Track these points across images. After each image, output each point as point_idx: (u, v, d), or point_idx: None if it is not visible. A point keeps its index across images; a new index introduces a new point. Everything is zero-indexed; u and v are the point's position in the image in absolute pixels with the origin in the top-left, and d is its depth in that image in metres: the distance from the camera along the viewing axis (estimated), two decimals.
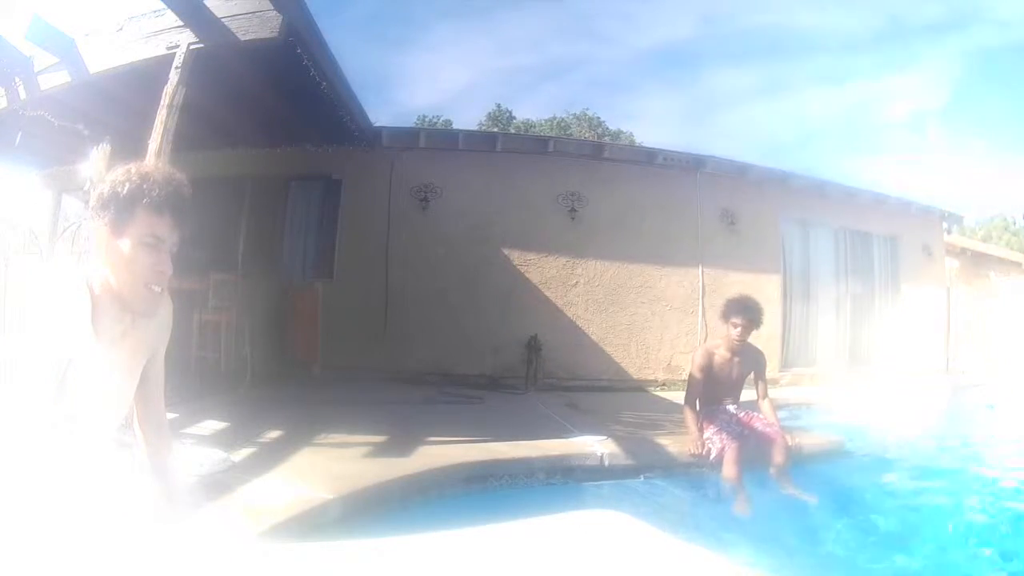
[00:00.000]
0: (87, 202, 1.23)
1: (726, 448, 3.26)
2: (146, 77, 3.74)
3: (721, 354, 3.52)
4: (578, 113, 25.91)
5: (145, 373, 1.33)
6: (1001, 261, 12.82)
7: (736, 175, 7.52)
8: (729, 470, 3.20)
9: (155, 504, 1.38)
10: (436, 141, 7.32)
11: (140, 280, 1.18)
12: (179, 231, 1.21)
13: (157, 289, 1.21)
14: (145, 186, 1.16)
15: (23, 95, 4.34)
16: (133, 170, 1.18)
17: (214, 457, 2.75)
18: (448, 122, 23.61)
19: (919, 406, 6.15)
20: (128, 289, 1.18)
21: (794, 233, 7.92)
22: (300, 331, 6.36)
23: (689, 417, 3.50)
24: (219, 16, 3.58)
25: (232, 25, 3.57)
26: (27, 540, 0.96)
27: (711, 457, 3.34)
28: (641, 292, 6.99)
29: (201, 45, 3.59)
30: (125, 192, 1.15)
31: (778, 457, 3.27)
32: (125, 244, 1.16)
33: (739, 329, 3.41)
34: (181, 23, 3.61)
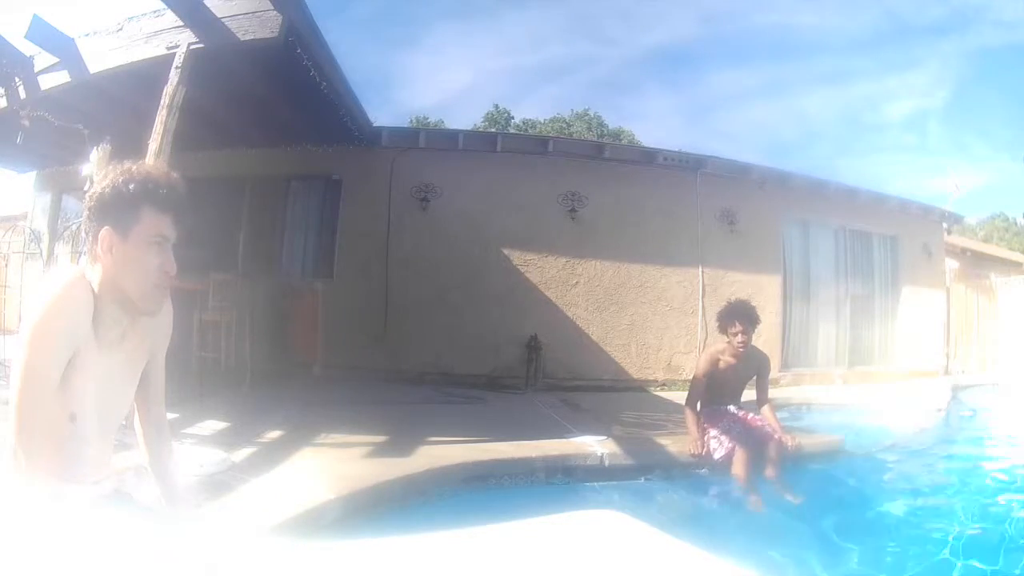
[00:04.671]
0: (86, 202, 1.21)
1: (736, 449, 3.27)
2: (146, 77, 3.74)
3: (726, 360, 3.51)
4: (579, 112, 25.93)
5: (145, 374, 1.33)
6: (1001, 261, 12.81)
7: (736, 175, 7.52)
8: (739, 469, 3.20)
9: (156, 503, 1.38)
10: (436, 141, 7.32)
11: (148, 281, 1.18)
12: (179, 229, 1.22)
13: (162, 288, 1.21)
14: (149, 186, 1.16)
15: (23, 95, 4.35)
16: (134, 170, 1.17)
17: (214, 457, 2.75)
18: (440, 122, 23.58)
19: (918, 406, 6.14)
20: (136, 290, 1.18)
21: (794, 233, 7.92)
22: (300, 331, 6.36)
23: (690, 418, 3.50)
24: (219, 16, 3.58)
25: (232, 25, 3.57)
26: (30, 540, 0.95)
27: (717, 457, 3.34)
28: (641, 292, 6.99)
29: (201, 45, 3.59)
30: (130, 192, 1.15)
31: (775, 457, 3.27)
32: (132, 245, 1.15)
33: (740, 336, 3.39)
34: (181, 23, 3.61)
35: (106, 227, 1.15)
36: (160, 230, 1.18)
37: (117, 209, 1.15)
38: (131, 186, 1.15)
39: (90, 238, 1.17)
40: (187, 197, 1.22)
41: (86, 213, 1.18)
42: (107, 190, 1.15)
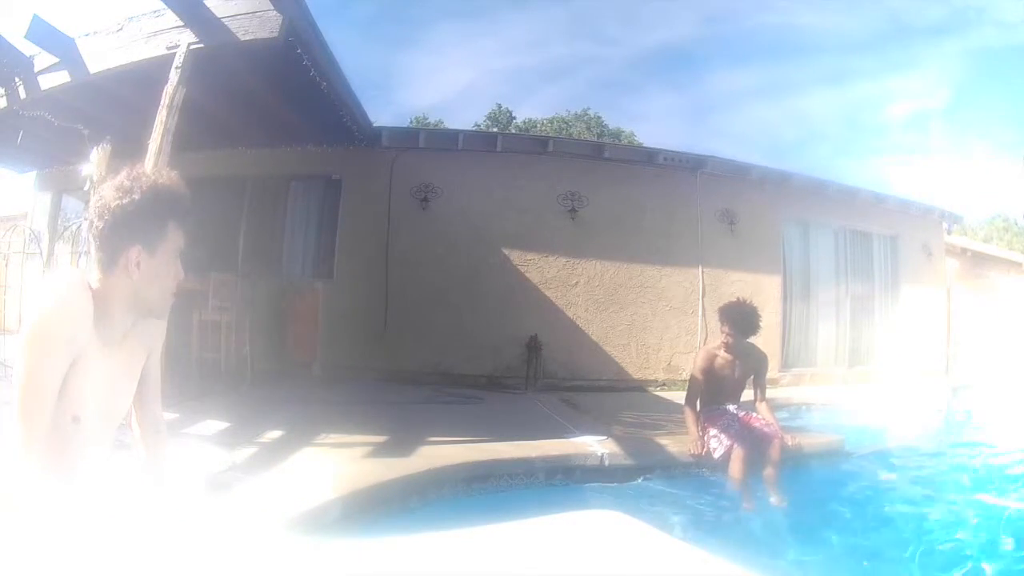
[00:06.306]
0: (88, 204, 1.21)
1: (734, 448, 3.27)
2: (146, 77, 3.74)
3: (722, 356, 3.52)
4: (579, 112, 25.93)
5: (142, 373, 1.33)
6: (1001, 261, 12.82)
7: (736, 175, 7.52)
8: (736, 469, 3.21)
9: (154, 503, 1.39)
10: (436, 141, 7.32)
11: (168, 289, 1.22)
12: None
13: (174, 293, 1.24)
14: (175, 202, 1.18)
15: (23, 95, 4.35)
16: (159, 184, 1.17)
17: (214, 457, 2.75)
18: (440, 121, 23.57)
19: (917, 406, 6.15)
20: (158, 300, 1.21)
21: (794, 233, 7.92)
22: (300, 331, 6.36)
23: (689, 418, 3.50)
24: (219, 16, 3.58)
25: (232, 25, 3.58)
26: (37, 541, 0.96)
27: (716, 456, 3.34)
28: (641, 292, 6.99)
29: (201, 45, 3.59)
30: (159, 211, 1.16)
31: (774, 456, 3.27)
32: (158, 260, 1.17)
33: (724, 336, 3.44)
34: (181, 23, 3.61)
35: (138, 246, 1.14)
36: (180, 243, 1.21)
37: (148, 227, 1.15)
38: (160, 204, 1.16)
39: (111, 251, 1.15)
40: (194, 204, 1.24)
41: (105, 226, 1.14)
42: (135, 207, 1.13)
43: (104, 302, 1.15)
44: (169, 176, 1.23)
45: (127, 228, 1.14)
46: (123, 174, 1.17)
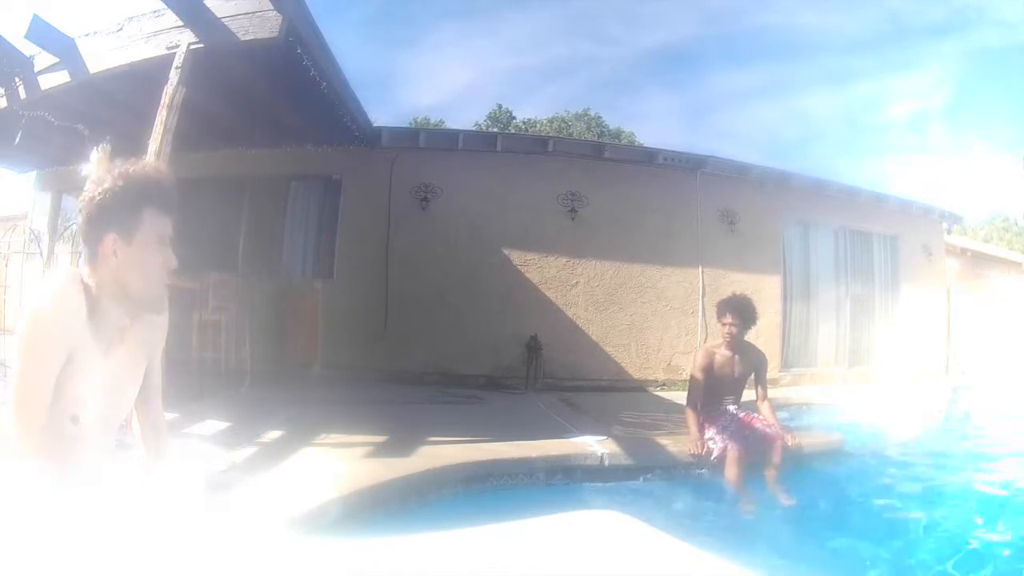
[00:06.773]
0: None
1: (728, 449, 3.27)
2: (146, 77, 3.74)
3: (722, 353, 3.53)
4: (579, 112, 25.95)
5: (144, 374, 1.33)
6: (1001, 261, 12.83)
7: (736, 175, 7.52)
8: (731, 471, 3.21)
9: (154, 503, 1.38)
10: (436, 141, 7.33)
11: (154, 279, 1.20)
12: (176, 224, 1.23)
13: (165, 284, 1.23)
14: (149, 188, 1.17)
15: (23, 95, 4.35)
16: (131, 172, 1.17)
17: (214, 457, 2.75)
18: (441, 121, 23.59)
19: (917, 406, 6.15)
20: (143, 289, 1.19)
21: (794, 233, 7.92)
22: (300, 331, 6.36)
23: (690, 418, 3.50)
24: (219, 16, 3.58)
25: (232, 25, 3.58)
26: (34, 542, 0.96)
27: (712, 457, 3.34)
28: (641, 292, 6.99)
29: (201, 45, 3.59)
30: (132, 197, 1.15)
31: (775, 457, 3.28)
32: (137, 248, 1.16)
33: (728, 327, 3.47)
34: (181, 23, 3.61)
35: (111, 234, 1.14)
36: (163, 230, 1.19)
37: (120, 215, 1.15)
38: (132, 191, 1.15)
39: (90, 243, 1.16)
40: (179, 192, 1.23)
41: (83, 219, 1.16)
42: (106, 196, 1.14)
43: (95, 296, 1.15)
44: (147, 165, 1.23)
45: (100, 218, 1.14)
46: (101, 168, 1.18)
